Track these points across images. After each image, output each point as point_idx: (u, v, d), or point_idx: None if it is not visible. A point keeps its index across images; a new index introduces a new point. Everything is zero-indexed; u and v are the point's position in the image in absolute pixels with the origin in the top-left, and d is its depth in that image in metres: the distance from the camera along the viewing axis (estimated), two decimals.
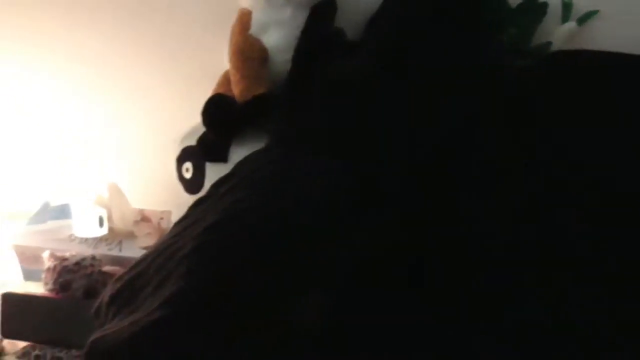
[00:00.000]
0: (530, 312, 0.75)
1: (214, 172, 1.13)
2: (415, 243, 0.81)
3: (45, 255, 1.23)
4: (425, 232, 0.82)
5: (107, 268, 1.23)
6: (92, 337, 0.83)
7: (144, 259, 0.92)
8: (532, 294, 0.77)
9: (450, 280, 0.78)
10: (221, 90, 1.17)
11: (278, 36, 1.16)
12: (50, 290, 1.21)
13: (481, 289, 0.77)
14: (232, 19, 1.18)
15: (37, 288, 1.28)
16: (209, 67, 1.25)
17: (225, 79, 1.19)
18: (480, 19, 1.18)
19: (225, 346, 0.75)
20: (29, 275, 1.35)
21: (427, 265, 0.79)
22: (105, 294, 0.92)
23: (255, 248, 0.82)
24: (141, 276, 0.88)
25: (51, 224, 1.37)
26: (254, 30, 1.16)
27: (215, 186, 1.03)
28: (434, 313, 0.75)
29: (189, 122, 1.23)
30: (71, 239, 1.33)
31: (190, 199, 1.08)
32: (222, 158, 1.14)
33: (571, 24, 1.22)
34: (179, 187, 1.26)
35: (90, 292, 1.17)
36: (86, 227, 1.32)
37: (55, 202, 1.39)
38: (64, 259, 1.21)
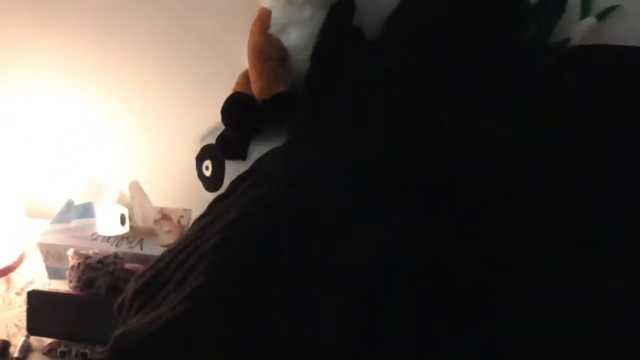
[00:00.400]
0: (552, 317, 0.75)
1: (233, 170, 1.14)
2: (439, 247, 0.81)
3: (70, 253, 1.25)
4: (449, 236, 0.82)
5: (129, 265, 1.25)
6: (116, 333, 0.84)
7: (165, 255, 0.92)
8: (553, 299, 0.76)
9: (471, 285, 0.77)
10: (240, 89, 1.18)
11: (297, 35, 1.16)
12: (75, 287, 1.23)
13: (503, 294, 0.77)
14: (251, 18, 1.19)
15: (62, 286, 1.31)
16: (229, 66, 1.25)
17: (245, 78, 1.20)
18: (505, 17, 1.17)
19: (246, 342, 0.76)
20: (53, 274, 1.38)
21: (449, 270, 0.79)
22: (128, 290, 0.93)
23: (276, 245, 0.83)
24: (163, 273, 0.89)
25: (75, 223, 1.39)
26: (273, 29, 1.16)
27: (235, 183, 1.04)
28: (453, 317, 0.75)
29: (209, 121, 1.24)
30: (94, 237, 1.35)
31: (211, 197, 1.09)
32: (242, 156, 1.14)
33: (590, 20, 1.21)
34: (200, 186, 1.27)
35: (113, 289, 1.19)
36: (109, 225, 1.34)
37: (78, 201, 1.41)
38: (88, 257, 1.23)
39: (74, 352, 1.17)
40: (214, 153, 1.20)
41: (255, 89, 1.14)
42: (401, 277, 0.77)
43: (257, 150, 1.11)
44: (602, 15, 1.21)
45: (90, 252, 1.25)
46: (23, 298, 1.28)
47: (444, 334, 0.73)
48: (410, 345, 0.73)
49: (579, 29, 1.21)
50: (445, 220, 0.83)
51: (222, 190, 1.10)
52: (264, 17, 1.17)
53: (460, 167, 0.90)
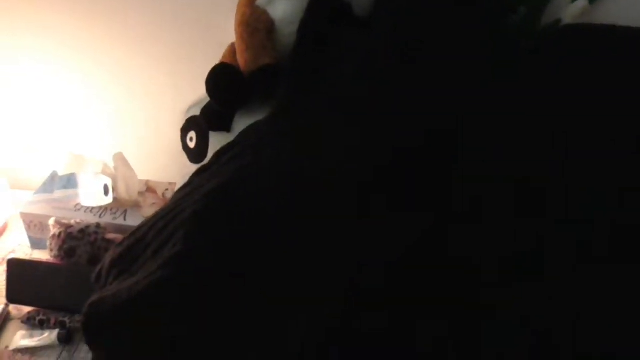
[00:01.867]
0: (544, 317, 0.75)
1: (217, 142, 1.13)
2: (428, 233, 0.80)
3: (51, 222, 1.24)
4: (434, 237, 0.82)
5: (111, 236, 1.24)
6: (91, 300, 0.84)
7: (144, 224, 0.92)
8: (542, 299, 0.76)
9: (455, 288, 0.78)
10: (227, 62, 1.17)
11: (284, 8, 1.15)
12: (55, 256, 1.23)
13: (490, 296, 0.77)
14: None
15: (44, 256, 1.30)
16: (216, 38, 1.24)
17: (231, 51, 1.19)
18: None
19: (219, 310, 0.76)
20: (36, 244, 1.37)
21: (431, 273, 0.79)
22: (106, 258, 0.93)
23: (256, 216, 0.82)
24: (141, 241, 0.89)
25: (58, 194, 1.38)
26: (260, 1, 1.15)
27: (218, 154, 1.03)
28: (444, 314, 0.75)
29: (196, 93, 1.23)
30: (77, 208, 1.34)
31: None
32: (226, 128, 1.14)
33: (582, 2, 1.20)
34: (185, 159, 1.26)
35: (94, 259, 1.19)
36: (92, 196, 1.33)
37: (62, 173, 1.40)
38: (69, 226, 1.22)
39: (52, 320, 1.16)
40: (199, 124, 1.19)
41: (241, 61, 1.13)
42: (380, 276, 0.77)
43: (242, 123, 1.10)
44: None
45: (72, 221, 1.24)
46: (4, 267, 1.27)
47: (425, 338, 0.73)
48: (387, 347, 0.73)
49: (570, 11, 1.21)
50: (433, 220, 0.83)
51: (206, 162, 1.10)
52: None
53: (448, 151, 0.89)
